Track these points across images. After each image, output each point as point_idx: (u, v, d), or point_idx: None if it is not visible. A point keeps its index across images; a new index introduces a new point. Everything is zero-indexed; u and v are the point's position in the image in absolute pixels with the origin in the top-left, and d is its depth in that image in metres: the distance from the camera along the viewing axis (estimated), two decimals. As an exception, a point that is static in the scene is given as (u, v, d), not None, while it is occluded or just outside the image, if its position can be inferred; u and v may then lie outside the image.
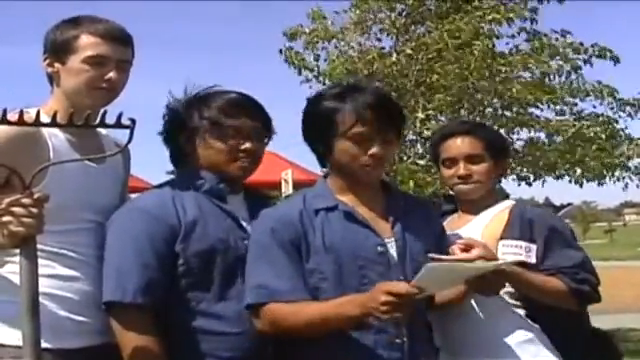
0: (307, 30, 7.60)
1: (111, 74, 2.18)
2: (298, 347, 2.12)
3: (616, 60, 7.69)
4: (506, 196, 2.75)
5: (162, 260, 2.13)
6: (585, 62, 7.59)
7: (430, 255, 2.05)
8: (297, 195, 2.35)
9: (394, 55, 7.32)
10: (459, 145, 2.50)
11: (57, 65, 2.21)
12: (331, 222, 2.14)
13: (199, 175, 2.26)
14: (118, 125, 1.84)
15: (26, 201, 1.76)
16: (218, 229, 2.19)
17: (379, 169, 2.20)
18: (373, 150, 2.12)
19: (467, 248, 2.14)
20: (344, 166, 2.17)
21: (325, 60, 7.62)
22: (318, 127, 2.19)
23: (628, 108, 7.94)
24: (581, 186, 7.87)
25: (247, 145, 2.26)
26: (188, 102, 2.32)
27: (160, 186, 2.33)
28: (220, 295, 2.15)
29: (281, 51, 7.68)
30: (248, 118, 2.28)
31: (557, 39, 7.57)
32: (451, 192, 2.64)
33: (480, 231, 2.44)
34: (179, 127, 2.30)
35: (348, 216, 2.15)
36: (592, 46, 7.59)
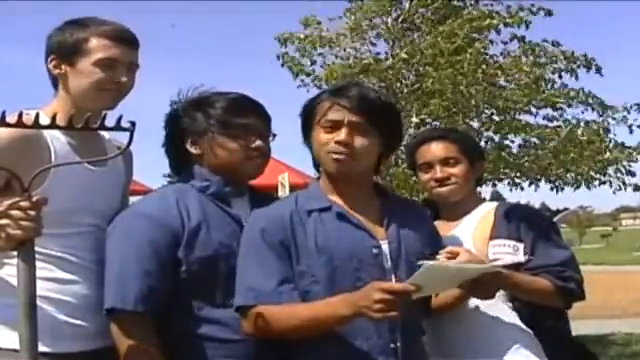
0: (302, 36, 7.63)
1: (123, 77, 2.18)
2: (295, 353, 2.10)
3: (598, 70, 7.76)
4: (502, 200, 2.77)
5: (164, 266, 2.11)
6: (572, 72, 7.67)
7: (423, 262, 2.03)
8: (289, 196, 2.32)
9: (389, 60, 7.35)
10: (434, 149, 2.54)
11: (65, 67, 2.20)
12: (324, 223, 2.11)
13: (204, 178, 2.24)
14: (118, 128, 1.83)
15: (24, 204, 1.75)
16: (222, 234, 2.17)
17: (348, 160, 2.10)
18: (340, 136, 2.08)
19: (453, 256, 2.13)
20: (317, 157, 2.16)
21: (321, 66, 7.66)
22: (304, 123, 2.20)
23: (617, 115, 8.00)
24: (576, 188, 7.90)
25: (258, 142, 2.25)
26: (189, 105, 2.30)
27: (164, 189, 2.32)
28: (222, 301, 2.13)
29: (278, 57, 7.72)
30: (256, 116, 2.28)
31: (547, 49, 7.65)
32: (431, 197, 2.66)
33: (469, 235, 2.44)
34: (183, 132, 2.28)
35: (342, 217, 2.12)
36: (584, 56, 7.66)
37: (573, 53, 7.63)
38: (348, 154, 2.10)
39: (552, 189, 7.97)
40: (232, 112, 2.24)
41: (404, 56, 7.18)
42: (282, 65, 7.69)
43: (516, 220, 2.42)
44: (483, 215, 2.49)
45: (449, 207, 2.56)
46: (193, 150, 2.26)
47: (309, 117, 2.17)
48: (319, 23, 7.66)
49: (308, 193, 2.22)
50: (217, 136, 2.23)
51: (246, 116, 2.25)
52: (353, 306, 1.91)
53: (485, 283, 2.10)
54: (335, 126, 2.10)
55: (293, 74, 7.66)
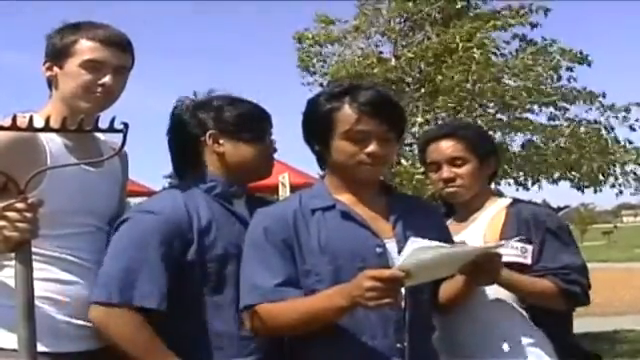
0: (310, 35, 7.68)
1: (105, 79, 2.18)
2: (300, 351, 2.10)
3: (588, 63, 7.78)
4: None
5: (170, 263, 2.11)
6: (568, 69, 7.69)
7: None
8: (293, 196, 2.32)
9: (393, 60, 7.37)
10: (441, 148, 2.50)
11: (55, 69, 2.22)
12: (327, 222, 2.10)
13: (209, 179, 2.26)
14: (111, 129, 1.82)
15: (20, 206, 1.75)
16: (230, 234, 2.18)
17: (378, 168, 2.16)
18: (371, 148, 2.08)
19: None
20: (341, 165, 2.14)
21: (326, 62, 7.70)
22: (317, 127, 2.16)
23: (621, 115, 8.01)
24: (581, 191, 7.91)
25: (274, 146, 2.36)
26: (203, 107, 2.30)
27: (170, 190, 2.33)
28: (237, 298, 2.12)
29: (298, 50, 7.80)
30: (269, 121, 2.36)
31: (548, 46, 7.67)
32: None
33: (480, 236, 2.41)
34: (193, 134, 2.28)
35: (345, 216, 2.11)
36: (580, 53, 7.68)
37: (571, 50, 7.66)
38: (378, 164, 2.13)
39: (557, 183, 7.98)
40: (258, 117, 2.32)
41: (410, 55, 7.20)
42: (299, 60, 7.76)
43: (527, 221, 2.39)
44: (494, 214, 2.46)
45: (461, 205, 2.53)
46: (216, 148, 2.26)
47: (324, 123, 2.13)
48: (331, 22, 7.72)
49: (312, 192, 2.22)
50: (247, 138, 2.27)
51: (266, 121, 2.34)
52: (348, 296, 1.90)
53: (483, 266, 2.04)
54: (363, 137, 2.09)
55: (309, 73, 7.74)
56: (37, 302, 1.77)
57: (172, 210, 2.16)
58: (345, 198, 2.16)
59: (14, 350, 1.80)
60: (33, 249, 1.78)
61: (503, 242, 2.17)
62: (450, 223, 2.51)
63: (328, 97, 2.16)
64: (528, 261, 2.33)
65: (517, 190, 8.02)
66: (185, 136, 2.30)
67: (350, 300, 1.89)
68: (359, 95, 2.11)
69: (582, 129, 7.76)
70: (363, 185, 2.17)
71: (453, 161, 2.47)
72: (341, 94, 2.14)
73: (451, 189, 2.48)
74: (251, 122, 2.28)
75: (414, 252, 1.84)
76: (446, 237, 2.25)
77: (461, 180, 2.47)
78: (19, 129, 1.78)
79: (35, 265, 1.78)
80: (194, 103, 2.33)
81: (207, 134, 2.26)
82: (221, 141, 2.26)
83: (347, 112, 2.10)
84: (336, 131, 2.11)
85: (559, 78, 7.70)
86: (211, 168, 2.27)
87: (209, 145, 2.26)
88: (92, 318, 2.10)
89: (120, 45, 2.23)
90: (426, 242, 1.91)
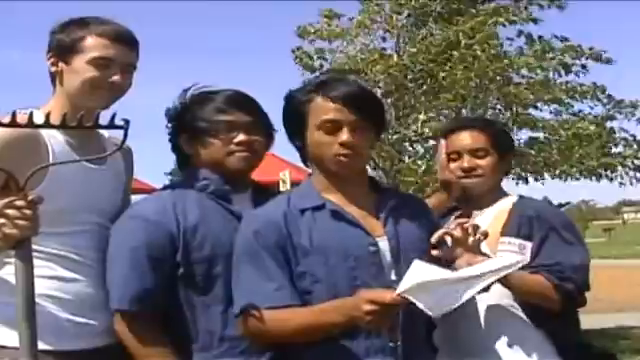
0: (312, 30, 7.68)
1: (115, 77, 2.17)
2: (293, 350, 2.08)
3: (609, 61, 7.77)
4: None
5: (160, 267, 2.11)
6: (583, 67, 7.67)
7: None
8: (282, 196, 2.29)
9: (395, 56, 7.37)
10: (464, 138, 2.49)
11: (61, 65, 2.20)
12: (318, 222, 2.07)
13: (202, 176, 2.25)
14: (111, 126, 1.81)
15: (19, 203, 1.74)
16: (221, 232, 2.16)
17: (353, 159, 2.09)
18: (343, 137, 2.05)
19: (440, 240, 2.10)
20: (319, 158, 2.12)
21: (327, 60, 7.71)
22: (293, 122, 2.15)
23: (626, 109, 8.01)
24: (591, 178, 7.93)
25: (241, 137, 2.24)
26: (186, 104, 2.32)
27: (161, 192, 2.32)
28: (226, 298, 2.12)
29: (293, 51, 7.80)
30: (242, 113, 2.27)
31: (554, 45, 7.66)
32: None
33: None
34: (180, 130, 2.31)
35: (336, 215, 2.08)
36: (590, 49, 7.66)
37: (580, 46, 7.64)
38: (352, 154, 2.08)
39: (560, 178, 7.98)
40: (219, 110, 2.25)
41: (413, 50, 7.19)
42: (295, 58, 7.77)
43: (530, 218, 2.37)
44: (499, 211, 2.44)
45: (472, 198, 2.51)
46: (187, 150, 2.29)
47: (299, 117, 2.13)
48: (332, 17, 7.72)
49: (301, 192, 2.20)
50: (202, 135, 2.24)
51: (232, 113, 2.25)
52: (346, 315, 1.91)
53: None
54: (335, 127, 2.07)
55: (307, 69, 7.74)
56: (39, 300, 1.77)
57: (156, 214, 2.15)
58: (334, 197, 2.13)
59: (17, 349, 1.79)
60: (36, 247, 1.78)
61: (514, 261, 2.08)
62: (454, 219, 2.50)
63: (301, 91, 2.16)
64: (526, 258, 2.29)
65: (517, 184, 8.03)
66: (173, 135, 2.34)
67: (348, 319, 1.91)
68: (331, 86, 2.10)
69: (586, 124, 7.74)
70: (350, 182, 2.14)
71: (475, 152, 2.46)
72: (314, 87, 2.13)
73: (470, 180, 2.47)
74: (210, 120, 2.24)
75: (415, 276, 1.82)
76: (435, 231, 2.20)
77: (482, 170, 2.46)
78: (19, 125, 1.76)
79: (37, 263, 1.78)
80: (178, 103, 2.35)
81: (180, 138, 2.29)
82: (193, 143, 2.27)
83: (318, 103, 2.09)
84: (310, 123, 2.10)
85: (567, 73, 7.68)
86: (202, 166, 2.27)
87: (188, 148, 2.29)
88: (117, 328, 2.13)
89: (128, 42, 2.22)
90: (428, 266, 1.89)
